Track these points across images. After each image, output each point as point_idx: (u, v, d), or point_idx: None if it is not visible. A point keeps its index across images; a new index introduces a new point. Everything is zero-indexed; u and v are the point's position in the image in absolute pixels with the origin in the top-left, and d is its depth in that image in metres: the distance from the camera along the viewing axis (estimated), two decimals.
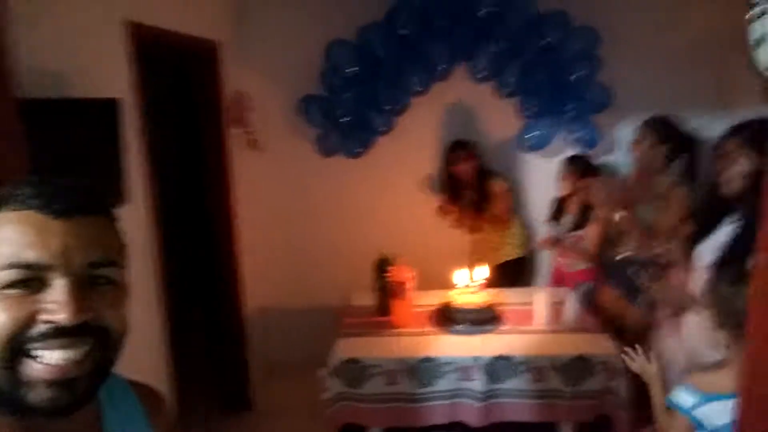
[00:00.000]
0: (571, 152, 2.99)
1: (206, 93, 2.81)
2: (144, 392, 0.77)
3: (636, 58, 2.98)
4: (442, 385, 2.12)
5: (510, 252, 3.12)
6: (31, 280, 0.55)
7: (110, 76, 1.95)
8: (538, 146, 3.05)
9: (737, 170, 1.67)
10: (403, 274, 2.38)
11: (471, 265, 2.86)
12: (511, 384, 2.10)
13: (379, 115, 3.07)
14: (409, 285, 2.39)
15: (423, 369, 2.12)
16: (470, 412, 2.12)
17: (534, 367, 2.09)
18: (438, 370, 2.11)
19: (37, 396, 0.55)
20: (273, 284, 3.35)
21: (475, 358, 2.10)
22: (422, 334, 2.32)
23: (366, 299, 2.61)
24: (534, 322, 2.32)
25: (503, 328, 2.32)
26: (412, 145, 3.25)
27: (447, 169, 3.11)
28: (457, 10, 2.91)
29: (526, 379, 2.10)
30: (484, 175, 3.05)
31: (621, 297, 2.59)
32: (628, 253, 2.51)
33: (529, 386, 2.10)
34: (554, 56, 2.92)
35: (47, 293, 0.55)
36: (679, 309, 1.97)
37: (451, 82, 3.07)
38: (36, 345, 0.54)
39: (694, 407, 1.29)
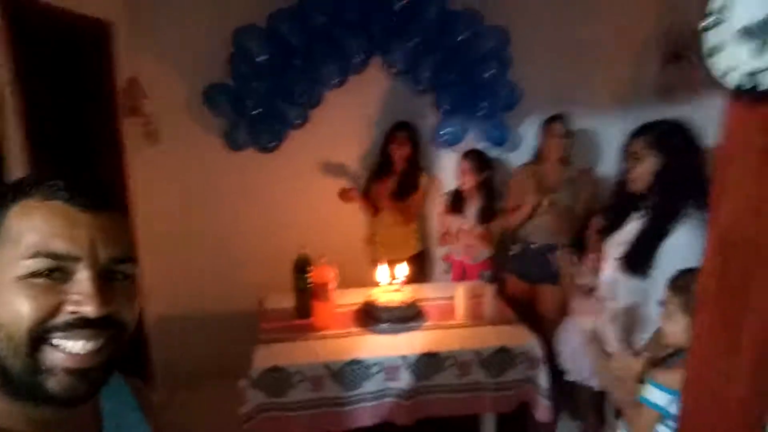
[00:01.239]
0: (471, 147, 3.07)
1: (97, 79, 2.51)
2: (135, 386, 0.79)
3: (542, 58, 3.13)
4: (369, 386, 2.07)
5: (414, 247, 3.12)
6: (55, 270, 0.55)
7: None
8: (452, 142, 3.10)
9: (645, 169, 1.79)
10: (326, 274, 2.29)
11: (376, 260, 2.85)
12: (437, 380, 2.11)
13: (293, 108, 2.93)
14: (331, 285, 2.30)
15: (350, 372, 2.06)
16: (397, 411, 2.09)
17: (460, 361, 2.11)
18: (365, 372, 2.06)
19: (56, 384, 0.56)
20: (177, 289, 3.08)
21: (403, 357, 2.08)
22: (347, 335, 2.25)
23: (282, 302, 2.48)
24: (456, 317, 2.35)
25: (427, 324, 2.32)
26: (327, 139, 3.15)
27: (385, 148, 3.03)
28: (372, 1, 2.85)
29: (451, 374, 2.11)
30: (416, 165, 3.03)
31: (529, 285, 2.74)
32: (542, 240, 2.66)
33: (455, 381, 2.12)
34: (466, 54, 2.97)
35: (71, 285, 0.56)
36: (591, 292, 2.09)
37: (367, 75, 3.01)
38: (59, 334, 0.55)
39: (669, 404, 1.34)
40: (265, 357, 2.07)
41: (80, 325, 0.55)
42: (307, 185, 3.20)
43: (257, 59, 2.81)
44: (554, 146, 2.70)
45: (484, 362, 2.12)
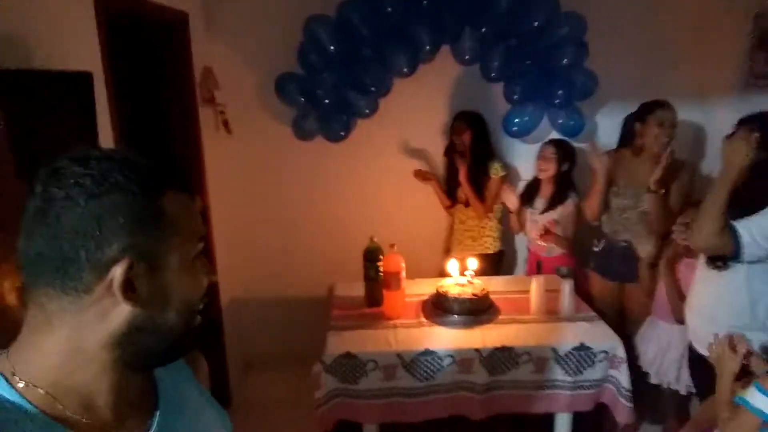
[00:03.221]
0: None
1: (176, 68, 2.56)
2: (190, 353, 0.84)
3: (620, 45, 2.97)
4: (442, 378, 2.04)
5: (489, 245, 2.98)
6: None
7: (77, 46, 1.71)
8: (523, 132, 3.00)
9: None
10: (397, 263, 2.27)
11: (446, 253, 2.80)
12: (512, 375, 2.06)
13: (362, 97, 2.91)
14: (402, 275, 2.28)
15: (422, 363, 2.03)
16: (470, 405, 2.06)
17: (535, 357, 2.04)
18: (438, 363, 2.03)
19: (190, 340, 0.67)
20: (249, 273, 3.17)
21: (476, 351, 2.03)
22: (418, 325, 2.22)
23: (352, 290, 2.48)
24: (530, 311, 2.28)
25: (500, 318, 2.26)
26: (395, 129, 3.13)
27: (450, 139, 2.97)
28: None
29: (526, 370, 2.05)
30: (483, 153, 2.90)
31: (613, 283, 2.60)
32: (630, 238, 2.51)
33: (530, 377, 2.06)
34: (541, 41, 2.86)
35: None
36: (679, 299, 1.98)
37: (437, 64, 2.95)
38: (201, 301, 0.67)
39: None
40: (338, 343, 2.08)
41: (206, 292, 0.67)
42: (375, 175, 3.18)
43: (327, 49, 2.81)
44: (658, 137, 2.38)
45: (562, 359, 2.05)
